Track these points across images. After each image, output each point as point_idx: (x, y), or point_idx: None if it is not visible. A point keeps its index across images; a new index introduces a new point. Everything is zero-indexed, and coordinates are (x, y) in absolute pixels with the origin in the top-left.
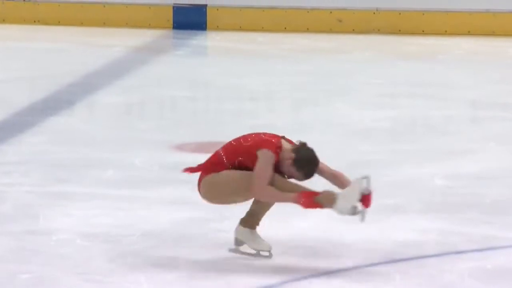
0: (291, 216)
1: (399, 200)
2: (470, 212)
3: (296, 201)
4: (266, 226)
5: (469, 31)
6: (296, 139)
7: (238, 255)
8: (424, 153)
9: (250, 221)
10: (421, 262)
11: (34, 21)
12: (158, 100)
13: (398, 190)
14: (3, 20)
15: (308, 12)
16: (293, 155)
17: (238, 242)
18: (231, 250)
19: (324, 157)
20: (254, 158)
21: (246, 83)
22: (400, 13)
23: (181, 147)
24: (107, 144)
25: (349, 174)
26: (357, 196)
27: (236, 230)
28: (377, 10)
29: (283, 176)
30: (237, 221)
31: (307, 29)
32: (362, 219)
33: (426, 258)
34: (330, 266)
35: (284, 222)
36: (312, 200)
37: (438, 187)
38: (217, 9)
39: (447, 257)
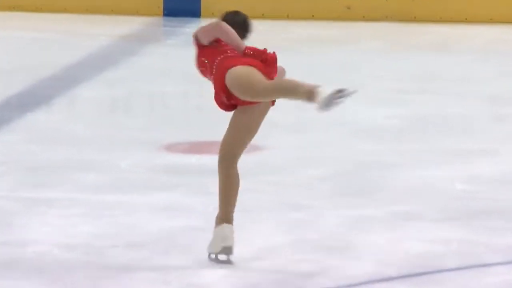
0: (296, 226)
1: (413, 207)
2: (493, 220)
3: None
4: (270, 235)
5: (491, 19)
6: (298, 138)
7: (236, 269)
8: (440, 154)
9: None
10: (440, 277)
11: (10, 8)
12: (147, 95)
13: (411, 196)
14: None
15: None
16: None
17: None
18: None
19: (328, 158)
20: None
21: None
22: None
23: (172, 148)
24: (90, 144)
25: (357, 176)
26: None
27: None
28: None
29: None
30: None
31: (312, 16)
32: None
33: (445, 272)
34: (338, 282)
35: (288, 232)
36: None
37: (456, 192)
38: None
39: (469, 271)
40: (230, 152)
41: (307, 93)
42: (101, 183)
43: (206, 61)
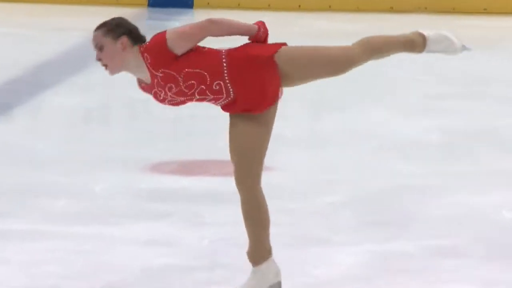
0: (312, 264)
1: (453, 241)
2: None
3: None
4: (282, 276)
5: None
6: (313, 155)
7: None
8: (488, 176)
9: None
10: None
11: None
12: (128, 103)
13: (452, 227)
14: None
15: None
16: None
17: None
18: None
19: (350, 180)
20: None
21: None
22: None
23: (159, 168)
24: (59, 164)
25: (385, 203)
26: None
27: None
28: None
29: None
30: (233, 270)
31: (329, 7)
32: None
33: None
34: None
35: (302, 272)
36: None
37: (507, 223)
38: None
39: None
40: (254, 167)
41: (420, 40)
42: (72, 211)
43: (196, 71)
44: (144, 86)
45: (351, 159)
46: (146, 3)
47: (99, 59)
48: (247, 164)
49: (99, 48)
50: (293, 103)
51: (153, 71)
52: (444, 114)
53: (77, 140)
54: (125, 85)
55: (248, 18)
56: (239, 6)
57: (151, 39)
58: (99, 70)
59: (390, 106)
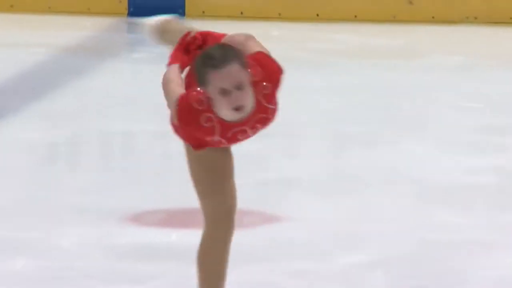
0: None
1: None
2: None
3: None
4: None
5: None
6: (332, 203)
7: None
8: None
9: None
10: None
11: None
12: (102, 137)
13: None
14: None
15: None
16: None
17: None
18: None
19: (382, 234)
20: None
21: None
22: None
23: (141, 219)
24: (17, 214)
25: (425, 263)
26: None
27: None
28: None
29: None
30: None
31: (355, 16)
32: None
33: None
34: None
35: None
36: None
37: None
38: None
39: None
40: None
41: None
42: (33, 273)
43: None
44: (214, 126)
45: (382, 207)
46: (126, 12)
47: (238, 100)
48: (235, 189)
49: (240, 87)
50: (309, 137)
51: (267, 104)
52: (498, 152)
53: (40, 183)
54: (98, 114)
55: (254, 30)
56: (242, 15)
57: (263, 66)
58: (67, 96)
59: (431, 140)
